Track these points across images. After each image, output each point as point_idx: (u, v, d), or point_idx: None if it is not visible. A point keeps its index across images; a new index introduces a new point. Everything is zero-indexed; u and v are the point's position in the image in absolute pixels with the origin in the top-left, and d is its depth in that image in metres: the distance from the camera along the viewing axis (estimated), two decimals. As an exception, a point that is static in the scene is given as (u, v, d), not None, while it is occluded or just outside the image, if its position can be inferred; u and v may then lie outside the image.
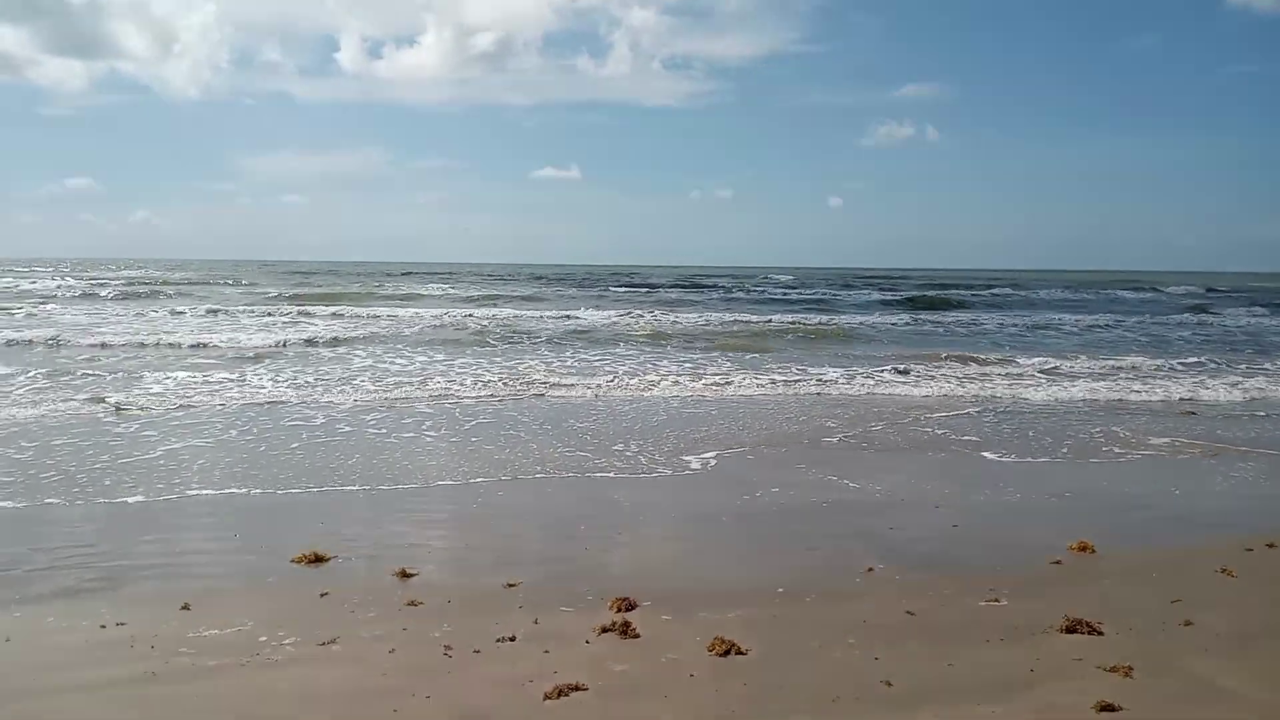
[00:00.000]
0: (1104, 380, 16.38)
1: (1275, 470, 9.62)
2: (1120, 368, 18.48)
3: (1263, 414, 13.23)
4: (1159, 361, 19.53)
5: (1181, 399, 14.52)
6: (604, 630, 4.90)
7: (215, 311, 30.44)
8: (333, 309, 32.39)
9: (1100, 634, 4.91)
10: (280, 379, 14.92)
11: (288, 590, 5.62)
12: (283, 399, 13.03)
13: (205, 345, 20.35)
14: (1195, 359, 19.97)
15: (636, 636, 4.85)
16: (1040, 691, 4.24)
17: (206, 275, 65.32)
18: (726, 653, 4.62)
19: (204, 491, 7.93)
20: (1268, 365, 19.33)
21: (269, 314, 30.31)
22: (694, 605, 5.32)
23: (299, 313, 30.60)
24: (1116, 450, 10.41)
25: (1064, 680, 4.35)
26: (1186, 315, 37.29)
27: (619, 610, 5.19)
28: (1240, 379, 16.86)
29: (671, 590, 5.60)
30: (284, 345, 20.89)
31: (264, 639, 4.79)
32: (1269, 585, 5.85)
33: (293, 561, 6.09)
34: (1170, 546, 6.79)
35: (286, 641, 4.77)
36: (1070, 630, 4.93)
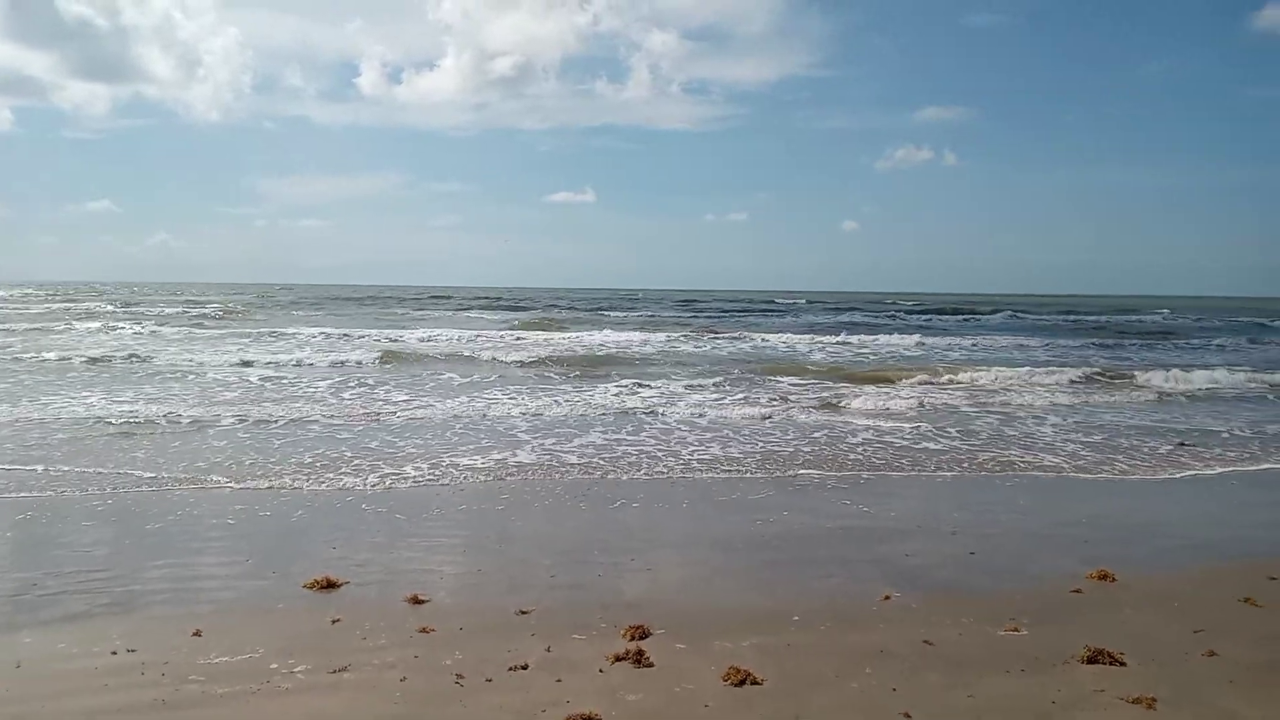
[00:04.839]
0: None
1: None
2: None
3: None
4: None
5: None
6: (617, 659, 4.84)
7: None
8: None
9: (1123, 665, 4.82)
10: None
11: (299, 616, 5.58)
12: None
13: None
14: None
15: (650, 665, 4.79)
16: (1062, 724, 4.16)
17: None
18: (741, 682, 4.56)
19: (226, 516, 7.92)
20: None
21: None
22: (708, 633, 5.26)
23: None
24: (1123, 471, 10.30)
25: (1086, 712, 4.27)
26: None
27: (632, 638, 5.13)
28: None
29: (685, 618, 5.54)
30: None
31: (275, 666, 4.75)
32: (1294, 615, 5.74)
33: (304, 587, 6.06)
34: (1191, 574, 6.68)
35: (298, 669, 4.73)
36: (1092, 661, 4.85)
